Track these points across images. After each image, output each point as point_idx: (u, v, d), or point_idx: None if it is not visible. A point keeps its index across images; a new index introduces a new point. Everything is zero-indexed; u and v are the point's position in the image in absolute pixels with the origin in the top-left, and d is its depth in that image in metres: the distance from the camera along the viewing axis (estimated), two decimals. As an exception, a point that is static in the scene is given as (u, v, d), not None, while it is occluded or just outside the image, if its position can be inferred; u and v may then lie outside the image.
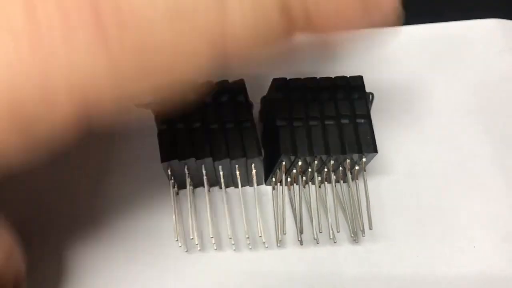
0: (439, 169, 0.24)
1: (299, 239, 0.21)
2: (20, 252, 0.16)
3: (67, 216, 0.22)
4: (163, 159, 0.20)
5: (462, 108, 0.25)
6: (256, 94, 0.23)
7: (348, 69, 0.22)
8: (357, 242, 0.22)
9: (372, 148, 0.20)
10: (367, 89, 0.21)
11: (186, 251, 0.21)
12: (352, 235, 0.21)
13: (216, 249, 0.22)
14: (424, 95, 0.26)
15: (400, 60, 0.27)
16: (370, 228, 0.21)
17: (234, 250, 0.22)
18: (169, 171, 0.20)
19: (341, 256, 0.22)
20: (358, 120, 0.21)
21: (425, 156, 0.24)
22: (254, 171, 0.21)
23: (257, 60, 0.14)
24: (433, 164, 0.24)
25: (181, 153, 0.20)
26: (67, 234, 0.22)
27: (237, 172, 0.21)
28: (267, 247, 0.22)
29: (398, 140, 0.25)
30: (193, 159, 0.20)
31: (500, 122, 0.25)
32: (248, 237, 0.20)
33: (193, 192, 0.21)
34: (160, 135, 0.20)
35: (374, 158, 0.21)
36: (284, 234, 0.21)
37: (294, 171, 0.21)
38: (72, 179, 0.23)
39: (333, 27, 0.14)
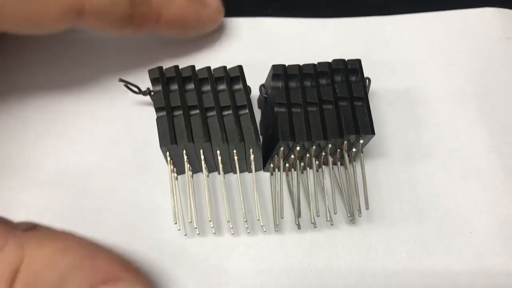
0: (436, 154, 0.24)
1: (297, 223, 0.21)
2: None
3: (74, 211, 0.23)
4: (162, 144, 0.20)
5: (459, 95, 0.26)
6: (255, 81, 0.23)
7: (347, 56, 0.22)
8: (353, 223, 0.22)
9: (370, 129, 0.20)
10: (365, 75, 0.22)
11: (185, 234, 0.22)
12: (349, 215, 0.21)
13: (215, 233, 0.22)
14: (422, 82, 0.26)
15: (399, 47, 0.27)
16: (367, 208, 0.21)
17: (233, 234, 0.22)
18: (167, 155, 0.21)
19: (338, 240, 0.22)
20: (356, 103, 0.21)
21: (422, 142, 0.24)
22: (252, 156, 0.21)
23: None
24: (430, 149, 0.24)
25: (180, 138, 0.20)
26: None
27: (235, 158, 0.21)
28: (265, 231, 0.22)
29: (395, 125, 0.25)
30: (191, 144, 0.20)
31: (497, 109, 0.25)
32: (246, 221, 0.21)
33: (192, 177, 0.21)
34: (159, 120, 0.20)
35: (371, 142, 0.21)
36: (282, 218, 0.21)
37: (292, 156, 0.21)
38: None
39: (166, 13, 0.22)
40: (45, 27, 0.20)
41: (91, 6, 0.20)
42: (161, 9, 0.22)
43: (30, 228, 0.17)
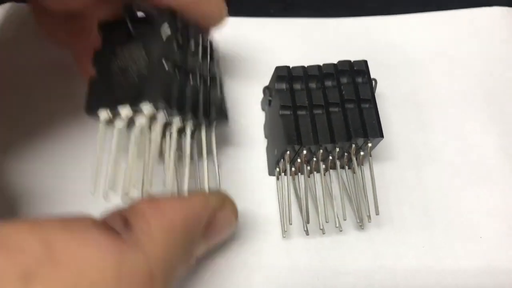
0: (444, 157, 0.24)
1: (305, 229, 0.20)
2: None
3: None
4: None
5: (467, 96, 0.25)
6: (258, 83, 0.23)
7: (352, 56, 0.21)
8: (363, 228, 0.22)
9: (378, 132, 0.20)
10: (371, 77, 0.21)
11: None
12: (358, 221, 0.21)
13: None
14: (429, 83, 0.25)
15: (405, 48, 0.26)
16: (377, 213, 0.20)
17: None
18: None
19: (346, 245, 0.22)
20: (363, 105, 0.20)
21: (430, 145, 0.24)
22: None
23: None
24: (438, 152, 0.24)
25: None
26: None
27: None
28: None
29: (402, 128, 0.24)
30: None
31: (505, 110, 0.25)
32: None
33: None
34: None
35: (379, 145, 0.21)
36: (290, 224, 0.20)
37: (299, 160, 0.21)
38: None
39: None
40: None
41: None
42: None
43: (125, 220, 0.15)
